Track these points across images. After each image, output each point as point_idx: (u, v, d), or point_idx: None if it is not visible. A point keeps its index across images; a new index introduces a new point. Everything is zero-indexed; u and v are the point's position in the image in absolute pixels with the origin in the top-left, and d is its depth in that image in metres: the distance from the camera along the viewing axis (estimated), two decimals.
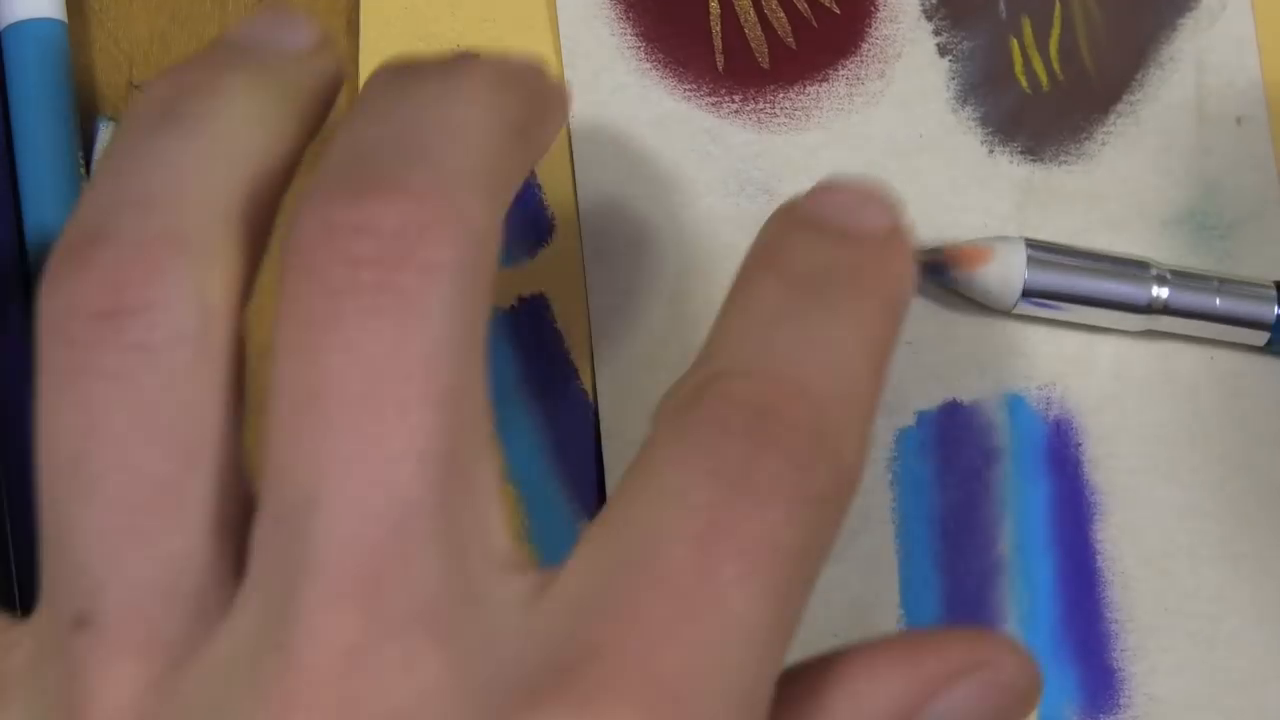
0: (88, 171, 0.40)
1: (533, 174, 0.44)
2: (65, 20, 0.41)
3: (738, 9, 0.45)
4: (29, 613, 0.37)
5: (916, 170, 0.45)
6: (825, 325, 0.31)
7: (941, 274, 0.43)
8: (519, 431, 0.42)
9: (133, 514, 0.29)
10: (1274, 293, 0.43)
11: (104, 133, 0.41)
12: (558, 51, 0.44)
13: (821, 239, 0.32)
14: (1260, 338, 0.44)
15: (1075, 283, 0.43)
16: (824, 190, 0.33)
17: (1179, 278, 0.43)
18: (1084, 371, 0.44)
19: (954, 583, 0.42)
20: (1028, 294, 0.43)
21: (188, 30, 0.43)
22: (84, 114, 0.41)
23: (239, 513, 0.29)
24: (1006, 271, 0.42)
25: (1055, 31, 0.46)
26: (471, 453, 0.29)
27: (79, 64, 0.42)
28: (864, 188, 0.33)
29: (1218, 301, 0.43)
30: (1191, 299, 0.43)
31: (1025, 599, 0.43)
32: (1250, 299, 0.43)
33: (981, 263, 0.42)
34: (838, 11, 0.46)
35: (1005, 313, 0.43)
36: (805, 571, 0.29)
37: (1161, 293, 0.43)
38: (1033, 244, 0.43)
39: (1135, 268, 0.43)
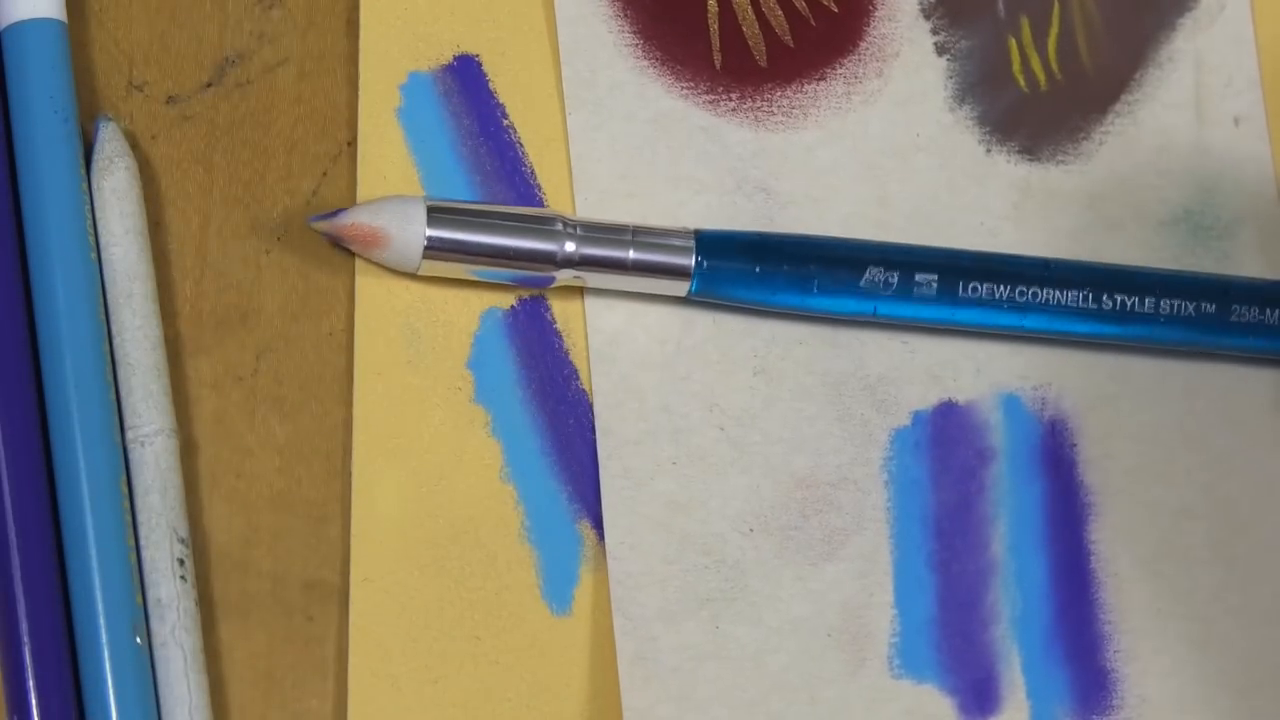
0: (88, 171, 0.41)
1: (532, 174, 0.44)
2: (65, 20, 0.41)
3: (736, 7, 0.46)
4: (32, 611, 0.38)
5: (914, 169, 0.45)
6: None
7: (339, 244, 0.42)
8: (519, 432, 0.42)
9: None
10: (692, 242, 0.42)
11: (104, 132, 0.41)
12: (555, 50, 0.44)
13: None
14: (682, 288, 0.43)
15: (482, 241, 0.41)
16: None
17: (590, 230, 0.42)
18: (1079, 373, 0.44)
19: (948, 583, 0.43)
20: (433, 256, 0.41)
21: (188, 30, 0.43)
22: (84, 114, 0.41)
23: None
24: (405, 244, 0.41)
25: (1053, 31, 0.46)
26: None
27: (79, 64, 0.42)
28: None
29: (631, 254, 0.42)
30: (604, 252, 0.42)
31: (1019, 599, 0.43)
32: (666, 250, 0.42)
33: (378, 246, 0.41)
34: (835, 10, 0.46)
35: (414, 274, 0.42)
36: None
37: (571, 246, 0.42)
38: (434, 206, 0.41)
39: (543, 222, 0.42)
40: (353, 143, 0.43)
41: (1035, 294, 0.43)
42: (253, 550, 0.41)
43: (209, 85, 0.43)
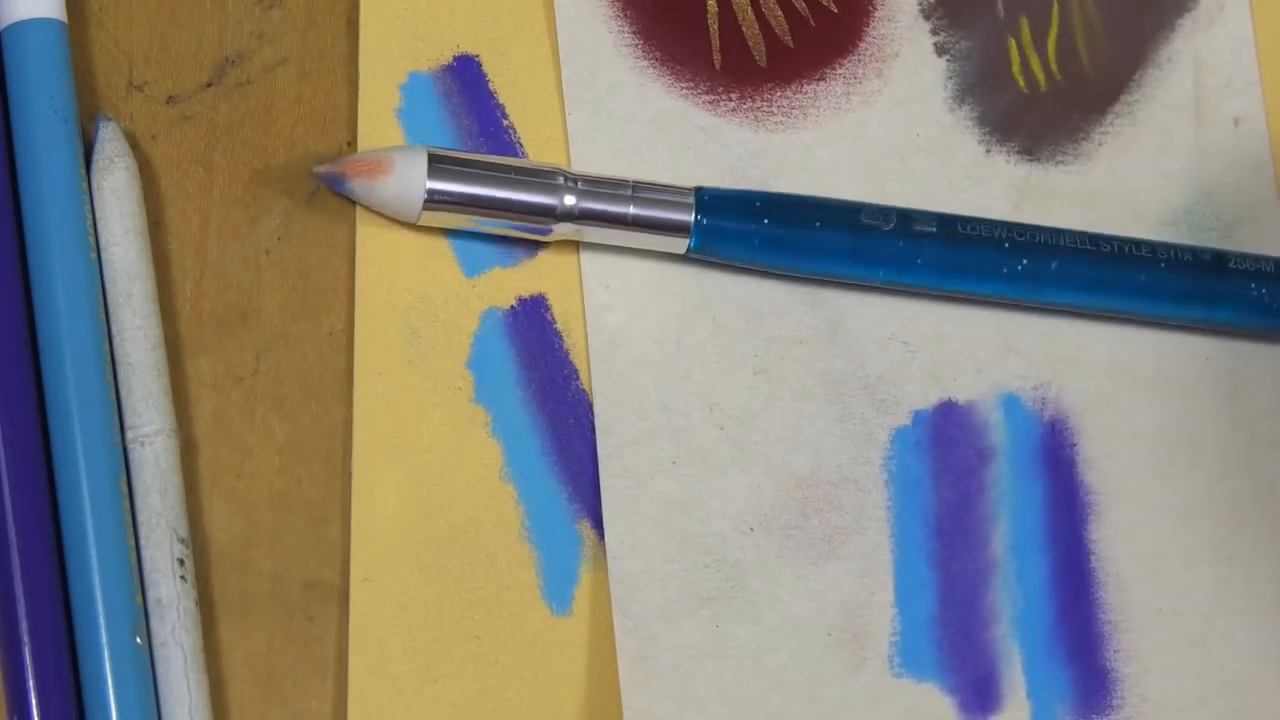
0: (88, 171, 0.41)
1: None
2: (65, 20, 0.41)
3: (735, 7, 0.46)
4: (32, 611, 0.38)
5: (913, 169, 0.45)
6: None
7: (341, 185, 0.42)
8: (519, 432, 0.42)
9: None
10: (692, 199, 0.42)
11: (104, 132, 0.41)
12: (555, 50, 0.44)
13: None
14: (681, 244, 0.42)
15: (482, 192, 0.41)
16: None
17: (591, 184, 0.42)
18: (1079, 372, 0.44)
19: (948, 582, 0.43)
20: (433, 204, 0.41)
21: (188, 30, 0.43)
22: (84, 114, 0.41)
23: None
24: (406, 182, 0.41)
25: (1053, 31, 0.47)
26: None
27: (79, 64, 0.42)
28: None
29: (631, 209, 0.42)
30: (604, 206, 0.42)
31: (1019, 599, 0.43)
32: (666, 206, 0.42)
33: (380, 174, 0.41)
34: (835, 10, 0.46)
35: (413, 224, 0.42)
36: None
37: (571, 200, 0.42)
38: (436, 154, 0.41)
39: (545, 175, 0.42)
40: (353, 143, 0.43)
41: (1034, 234, 0.43)
42: (253, 550, 0.40)
43: (209, 85, 0.43)
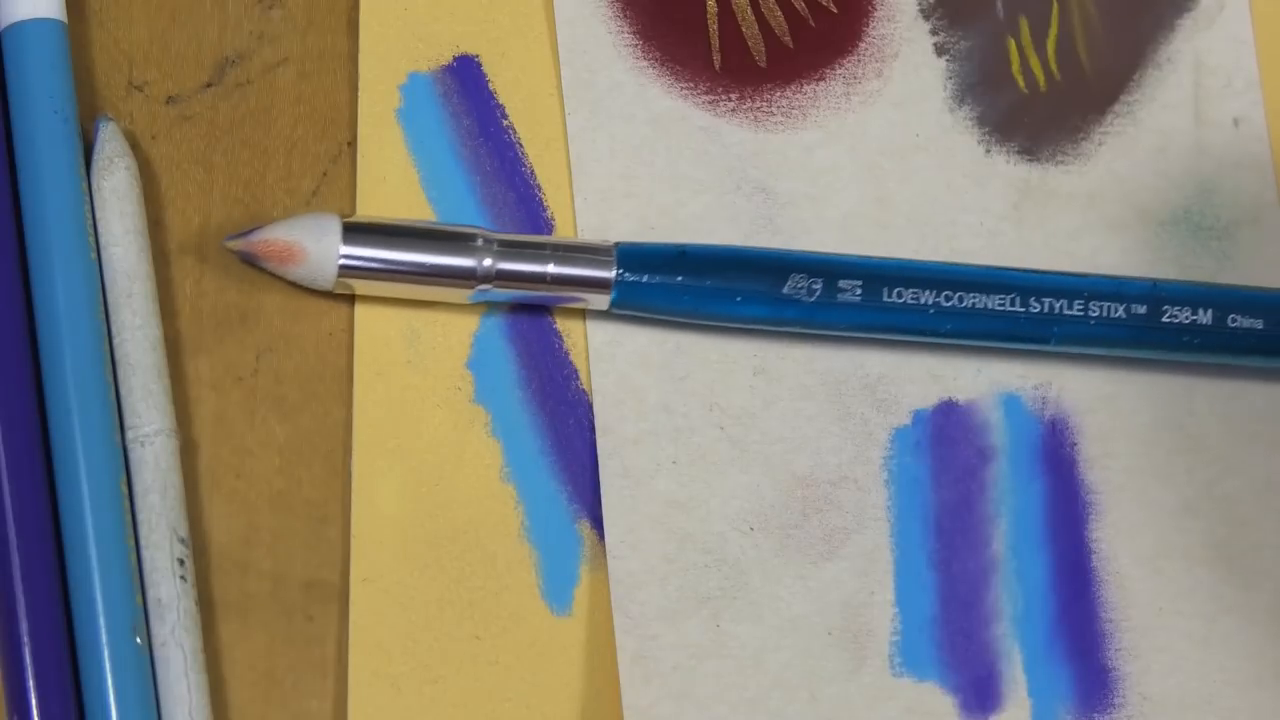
0: (88, 171, 0.41)
1: (532, 174, 0.44)
2: (65, 20, 0.41)
3: (735, 7, 0.46)
4: (32, 611, 0.38)
5: (913, 169, 0.45)
6: None
7: (254, 263, 0.41)
8: (519, 432, 0.42)
9: None
10: (613, 255, 0.42)
11: (104, 132, 0.41)
12: (555, 50, 0.44)
13: None
14: (603, 301, 0.42)
15: (399, 258, 0.41)
16: None
17: (508, 246, 0.42)
18: (1079, 371, 0.44)
19: (949, 581, 0.43)
20: (347, 273, 0.41)
21: (188, 30, 0.43)
22: (84, 114, 0.41)
23: None
24: (320, 261, 0.41)
25: (1053, 31, 0.47)
26: None
27: (79, 64, 0.42)
28: None
29: (551, 267, 0.42)
30: (523, 266, 0.41)
31: (1020, 598, 0.43)
32: (586, 264, 0.42)
33: (293, 261, 0.41)
34: (835, 10, 0.46)
35: (330, 292, 0.42)
36: None
37: (489, 262, 0.41)
38: (349, 225, 0.41)
39: (462, 239, 0.41)
40: (353, 143, 0.43)
41: (962, 296, 0.43)
42: (253, 550, 0.40)
43: (209, 85, 0.43)
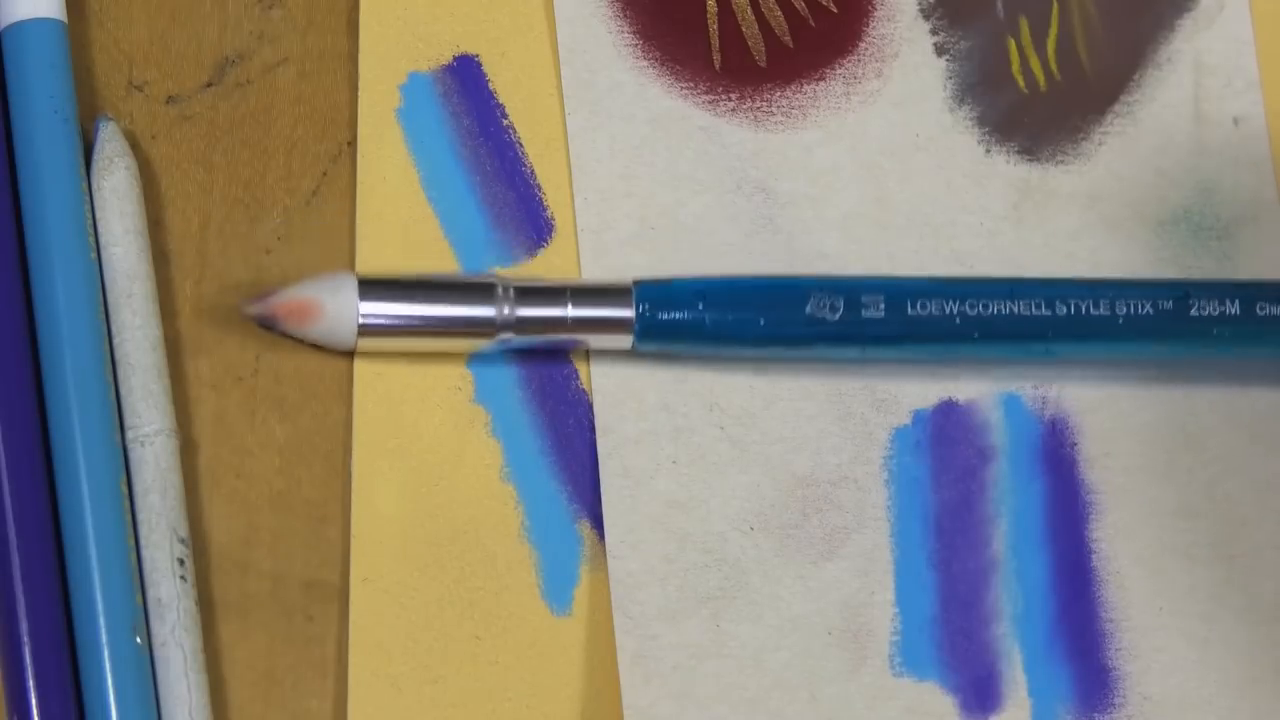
0: (88, 171, 0.41)
1: (532, 174, 0.44)
2: (65, 20, 0.41)
3: (735, 7, 0.46)
4: (32, 611, 0.38)
5: (913, 169, 0.45)
6: None
7: (273, 326, 0.41)
8: (519, 431, 0.42)
9: None
10: (631, 294, 0.42)
11: (104, 132, 0.41)
12: (555, 50, 0.44)
13: None
14: (626, 341, 0.42)
15: (418, 312, 0.41)
16: None
17: (526, 293, 0.41)
18: (1079, 371, 0.44)
19: (949, 581, 0.43)
20: (368, 333, 0.41)
21: (188, 30, 0.43)
22: (84, 114, 0.41)
23: None
24: (338, 319, 0.40)
25: (1053, 31, 0.47)
26: None
27: (79, 64, 0.42)
28: None
29: (569, 309, 0.41)
30: (542, 311, 0.41)
31: (1020, 598, 0.43)
32: (606, 304, 0.41)
33: (310, 320, 0.41)
34: (835, 10, 0.46)
35: (351, 352, 0.42)
36: None
37: (509, 309, 0.41)
38: (366, 282, 0.41)
39: (480, 289, 0.41)
40: (353, 143, 0.43)
41: (987, 304, 0.43)
42: (253, 550, 0.40)
43: (209, 85, 0.43)
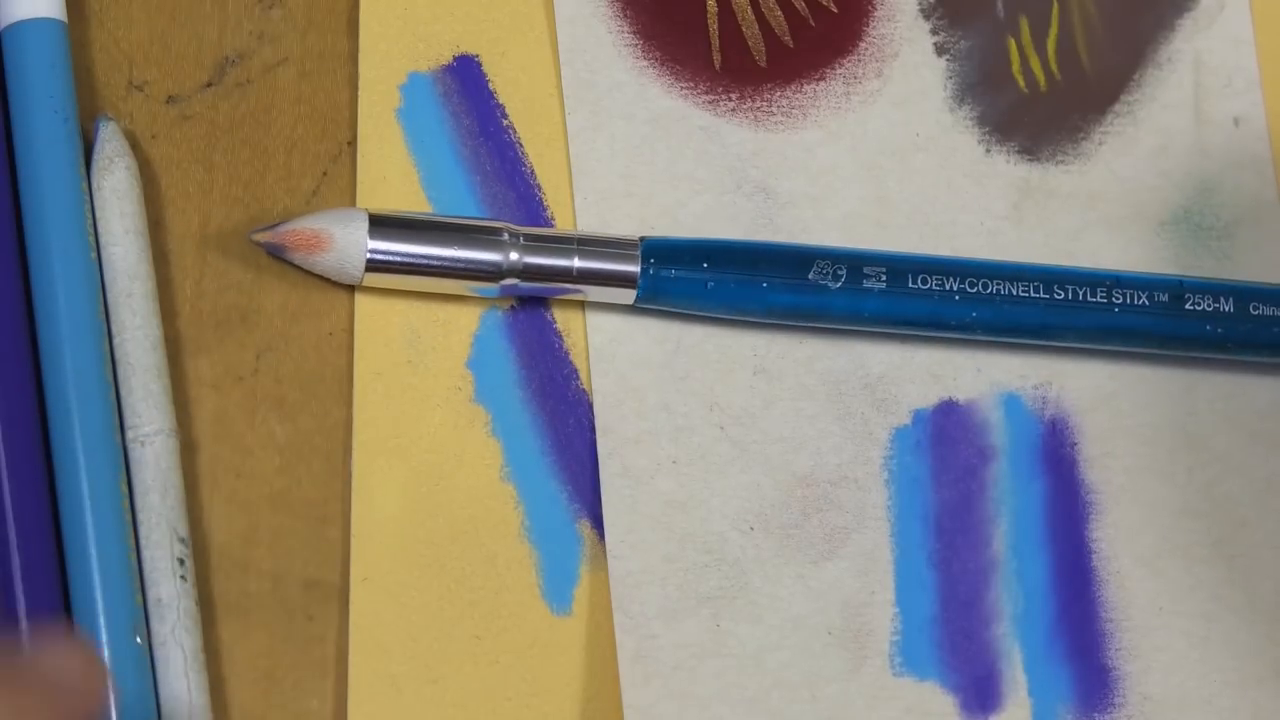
0: (88, 171, 0.41)
1: (532, 174, 0.44)
2: (65, 20, 0.41)
3: (735, 7, 0.46)
4: (32, 611, 0.38)
5: (913, 169, 0.45)
6: None
7: (282, 255, 0.41)
8: (519, 431, 0.42)
9: None
10: (638, 250, 0.42)
11: (104, 132, 0.41)
12: (555, 50, 0.44)
13: None
14: (629, 295, 0.42)
15: (425, 252, 0.41)
16: None
17: (534, 241, 0.42)
18: (1079, 371, 0.44)
19: (949, 581, 0.43)
20: (375, 267, 0.41)
21: (188, 30, 0.43)
22: (84, 114, 0.41)
23: None
24: (346, 252, 0.41)
25: (1053, 31, 0.47)
26: None
27: (79, 64, 0.42)
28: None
29: (576, 261, 0.42)
30: (548, 260, 0.42)
31: (1020, 598, 0.43)
32: (611, 258, 0.42)
33: (320, 248, 0.41)
34: (835, 10, 0.46)
35: (356, 286, 0.42)
36: None
37: (515, 256, 0.41)
38: (376, 218, 0.41)
39: (488, 233, 0.42)
40: (353, 143, 0.43)
41: (987, 283, 0.43)
42: (253, 550, 0.40)
43: (209, 85, 0.43)
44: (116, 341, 0.40)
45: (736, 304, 0.42)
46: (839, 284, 0.42)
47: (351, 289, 0.42)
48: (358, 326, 0.42)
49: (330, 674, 0.40)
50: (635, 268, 0.42)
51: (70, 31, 0.41)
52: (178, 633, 0.38)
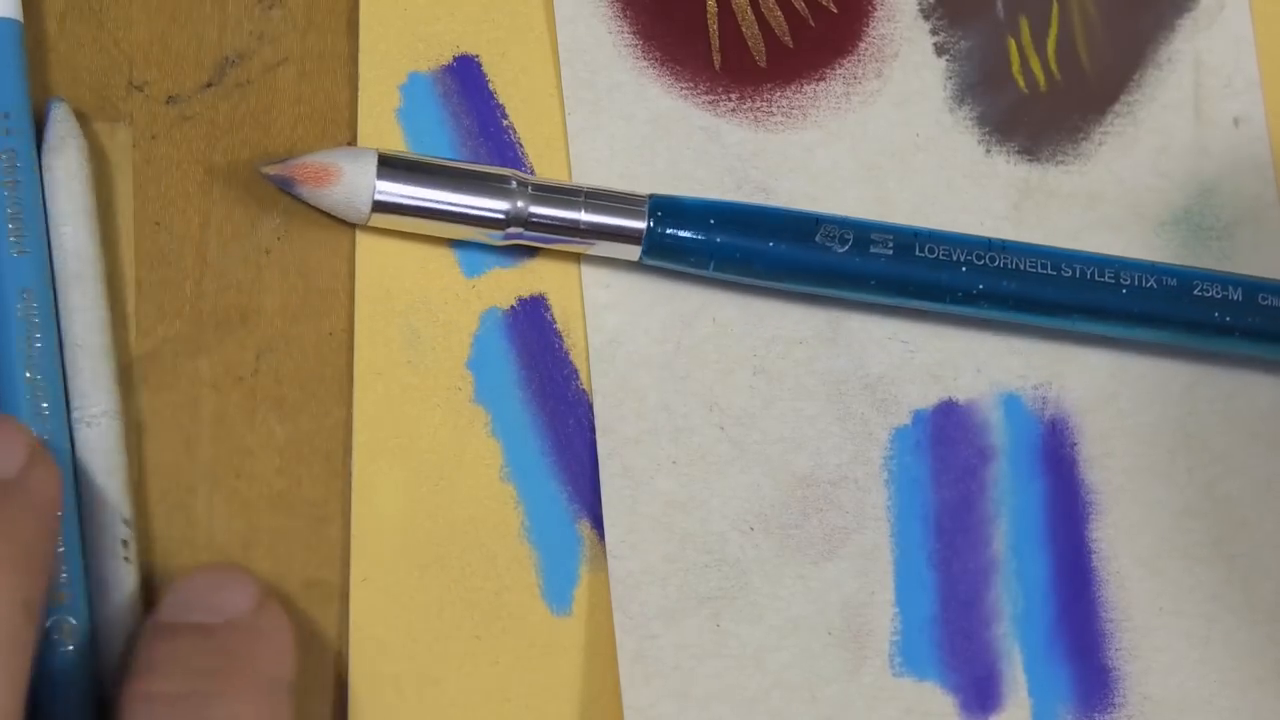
0: (39, 152, 0.40)
1: (531, 174, 0.44)
2: (21, 20, 0.41)
3: (735, 7, 0.46)
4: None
5: (913, 169, 0.45)
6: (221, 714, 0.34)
7: (291, 188, 0.41)
8: (519, 432, 0.42)
9: None
10: (645, 206, 0.42)
11: (55, 113, 0.41)
12: (555, 50, 0.44)
13: (188, 643, 0.35)
14: (634, 252, 0.42)
15: (432, 195, 0.41)
16: (182, 588, 0.37)
17: (542, 190, 0.42)
18: (1079, 371, 0.44)
19: (949, 581, 0.43)
20: (381, 208, 0.41)
21: (188, 30, 0.43)
22: (85, 114, 0.41)
23: None
24: (355, 187, 0.41)
25: (1053, 31, 0.47)
26: None
27: (79, 64, 0.42)
28: (218, 575, 0.37)
29: (583, 214, 0.42)
30: (555, 211, 0.42)
31: (1020, 598, 0.43)
32: (618, 213, 0.42)
33: (328, 181, 0.41)
34: (835, 11, 0.46)
35: (363, 225, 0.42)
36: None
37: (522, 205, 0.41)
38: (385, 158, 0.41)
39: (495, 179, 0.42)
40: (353, 143, 0.43)
41: (994, 258, 0.43)
42: (253, 550, 0.40)
43: (209, 85, 0.43)
44: (65, 323, 0.40)
45: (742, 262, 0.42)
46: (845, 248, 0.42)
47: (350, 290, 0.42)
48: (358, 326, 0.42)
49: (330, 674, 0.40)
50: (642, 223, 0.42)
51: (70, 32, 0.41)
52: (120, 614, 0.38)
